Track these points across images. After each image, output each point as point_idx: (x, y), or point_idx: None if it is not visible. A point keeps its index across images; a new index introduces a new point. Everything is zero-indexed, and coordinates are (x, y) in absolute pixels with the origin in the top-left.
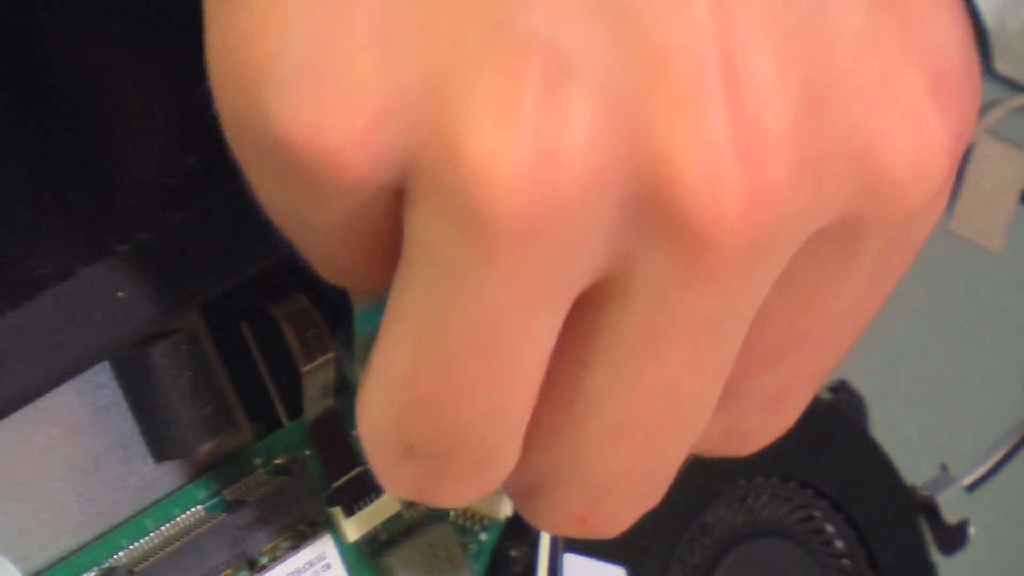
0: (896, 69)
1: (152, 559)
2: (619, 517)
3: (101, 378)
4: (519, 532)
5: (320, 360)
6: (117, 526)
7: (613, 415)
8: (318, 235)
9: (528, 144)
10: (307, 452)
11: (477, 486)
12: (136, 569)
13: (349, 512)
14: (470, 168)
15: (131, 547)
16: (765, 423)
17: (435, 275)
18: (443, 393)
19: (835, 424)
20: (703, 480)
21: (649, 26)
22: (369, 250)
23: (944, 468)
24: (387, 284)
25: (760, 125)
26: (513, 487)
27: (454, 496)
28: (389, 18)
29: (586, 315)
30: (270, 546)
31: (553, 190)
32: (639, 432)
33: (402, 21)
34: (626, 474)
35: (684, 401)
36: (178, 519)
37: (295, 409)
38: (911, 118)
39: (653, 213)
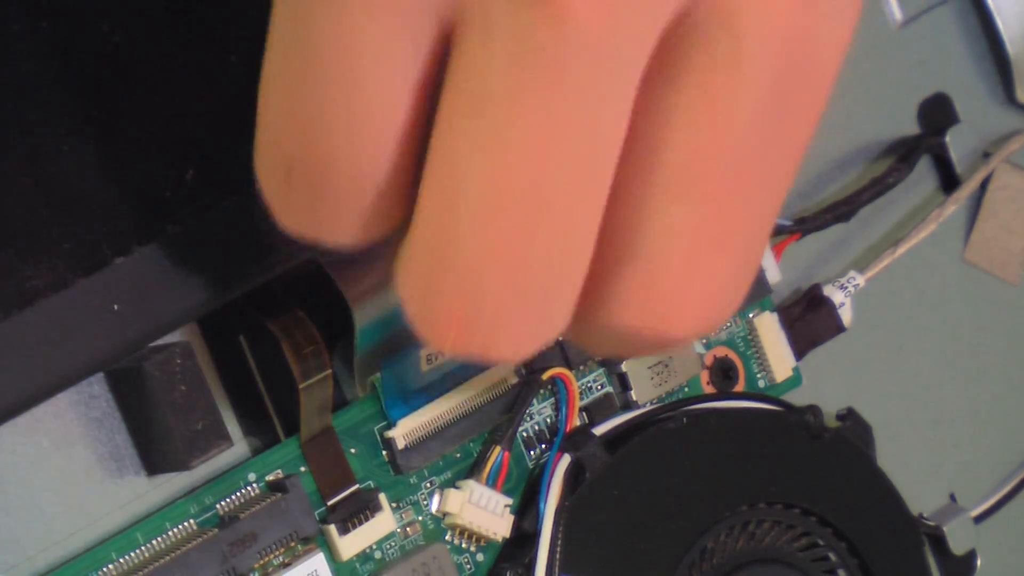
0: None
1: (141, 573)
2: (500, 330)
3: (95, 389)
4: (515, 553)
5: (318, 377)
6: (107, 539)
7: (477, 178)
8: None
9: None
10: (302, 469)
11: (354, 218)
12: None
13: (344, 530)
14: None
15: (121, 560)
16: (688, 284)
17: None
18: (311, 106)
19: (840, 452)
20: (704, 505)
21: None
22: None
23: (953, 498)
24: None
25: None
26: (400, 276)
27: (335, 226)
28: None
29: (450, 57)
30: (262, 562)
31: None
32: (506, 210)
33: None
34: (500, 267)
35: (554, 181)
36: (169, 533)
37: (292, 425)
38: None
39: None
